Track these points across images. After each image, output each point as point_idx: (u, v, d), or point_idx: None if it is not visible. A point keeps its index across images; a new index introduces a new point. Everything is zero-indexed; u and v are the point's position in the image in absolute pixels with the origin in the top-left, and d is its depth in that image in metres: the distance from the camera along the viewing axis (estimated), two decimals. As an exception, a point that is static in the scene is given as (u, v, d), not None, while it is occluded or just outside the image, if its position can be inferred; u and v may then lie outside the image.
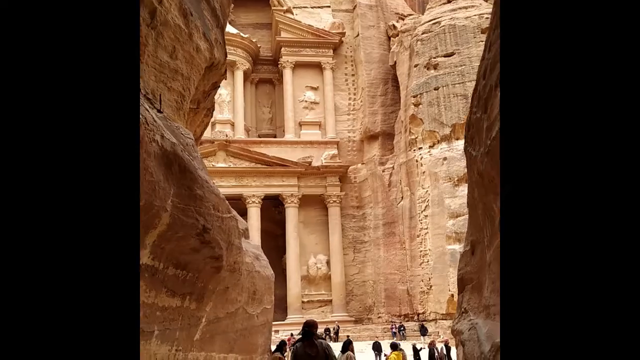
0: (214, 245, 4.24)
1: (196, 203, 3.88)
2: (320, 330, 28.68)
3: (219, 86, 7.28)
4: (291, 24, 36.81)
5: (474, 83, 27.63)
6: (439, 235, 27.80)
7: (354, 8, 38.26)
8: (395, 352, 10.15)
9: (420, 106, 30.00)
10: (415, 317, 29.89)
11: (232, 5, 9.30)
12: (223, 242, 4.43)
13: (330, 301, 33.26)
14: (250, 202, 33.04)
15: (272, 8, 37.59)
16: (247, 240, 6.99)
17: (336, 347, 20.23)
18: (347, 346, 10.32)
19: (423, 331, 27.38)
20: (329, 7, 38.71)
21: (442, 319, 27.34)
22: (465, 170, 26.81)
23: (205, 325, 4.89)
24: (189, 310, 4.42)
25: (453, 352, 12.90)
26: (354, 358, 10.34)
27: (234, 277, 5.33)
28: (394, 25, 36.28)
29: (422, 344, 25.72)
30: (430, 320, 28.44)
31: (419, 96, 30.18)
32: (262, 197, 33.33)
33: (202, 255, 4.21)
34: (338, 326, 29.01)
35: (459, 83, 29.10)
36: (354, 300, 33.90)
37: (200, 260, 4.26)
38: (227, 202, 4.60)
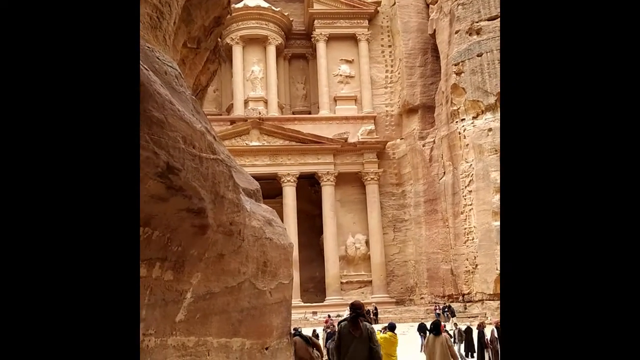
0: (189, 193, 3.13)
1: (152, 129, 2.75)
2: (360, 311, 27.69)
3: (223, 23, 6.14)
4: (324, -5, 35.30)
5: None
6: (485, 212, 26.11)
7: (389, -25, 36.35)
8: (390, 334, 8.75)
9: (463, 75, 28.12)
10: (460, 298, 28.44)
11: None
12: (205, 191, 3.31)
13: (370, 282, 32.15)
14: (285, 181, 32.11)
15: (304, -21, 36.18)
16: (257, 203, 5.89)
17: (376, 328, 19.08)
18: (438, 327, 9.04)
19: (451, 312, 26.02)
20: (363, -25, 36.90)
21: (490, 300, 25.80)
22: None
23: (193, 303, 3.81)
24: (161, 281, 3.35)
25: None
26: (450, 339, 9.03)
27: (232, 242, 4.22)
28: (432, -9, 34.19)
29: (451, 324, 24.58)
30: (477, 301, 26.94)
31: (460, 64, 28.29)
32: (298, 175, 32.34)
33: (173, 207, 3.10)
34: (376, 308, 27.88)
35: (504, 48, 27.01)
36: (395, 281, 32.68)
37: (171, 215, 3.15)
38: (210, 138, 3.47)
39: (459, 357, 9.05)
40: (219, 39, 6.51)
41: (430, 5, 34.19)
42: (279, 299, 5.61)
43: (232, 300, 4.53)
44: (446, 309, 27.60)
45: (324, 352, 10.03)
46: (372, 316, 26.28)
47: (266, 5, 35.06)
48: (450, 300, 29.14)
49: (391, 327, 9.11)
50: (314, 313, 27.42)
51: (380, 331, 10.24)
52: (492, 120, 26.61)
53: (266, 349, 5.42)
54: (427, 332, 9.15)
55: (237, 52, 34.61)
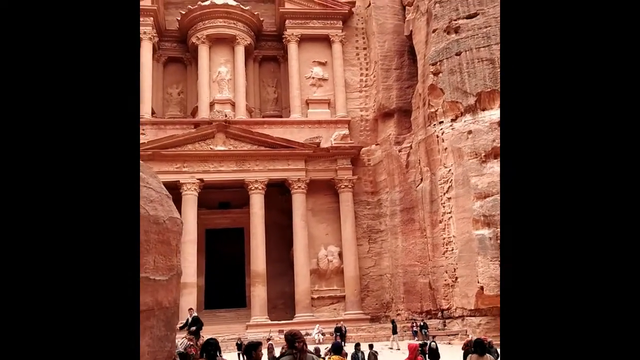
0: None
1: None
2: (331, 329, 25.37)
3: None
4: (296, -6, 33.62)
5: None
6: (465, 220, 24.24)
7: (364, -24, 34.89)
8: (336, 358, 6.79)
9: (440, 75, 26.48)
10: (439, 314, 26.40)
11: None
12: None
13: (343, 297, 29.92)
14: (253, 188, 29.89)
15: (275, -22, 34.49)
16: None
17: (348, 349, 16.76)
18: (483, 346, 8.12)
19: (394, 328, 24.60)
20: (338, -25, 35.35)
21: (470, 316, 23.79)
22: (494, 144, 23.21)
23: None
24: None
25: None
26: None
27: None
28: (409, -9, 32.77)
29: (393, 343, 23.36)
30: (457, 318, 24.91)
31: (438, 64, 26.67)
32: (266, 182, 30.16)
33: None
34: (344, 327, 25.56)
35: (483, 46, 25.52)
36: (370, 296, 30.52)
37: None
38: None
39: None
40: None
41: (407, 7, 32.75)
42: (145, 306, 3.46)
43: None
44: (424, 327, 25.51)
45: None
46: (339, 335, 23.97)
47: (234, 3, 33.20)
48: (429, 316, 27.10)
49: (336, 349, 6.95)
50: (281, 332, 25.02)
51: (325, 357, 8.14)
52: (472, 122, 24.94)
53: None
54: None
55: (203, 52, 32.56)
